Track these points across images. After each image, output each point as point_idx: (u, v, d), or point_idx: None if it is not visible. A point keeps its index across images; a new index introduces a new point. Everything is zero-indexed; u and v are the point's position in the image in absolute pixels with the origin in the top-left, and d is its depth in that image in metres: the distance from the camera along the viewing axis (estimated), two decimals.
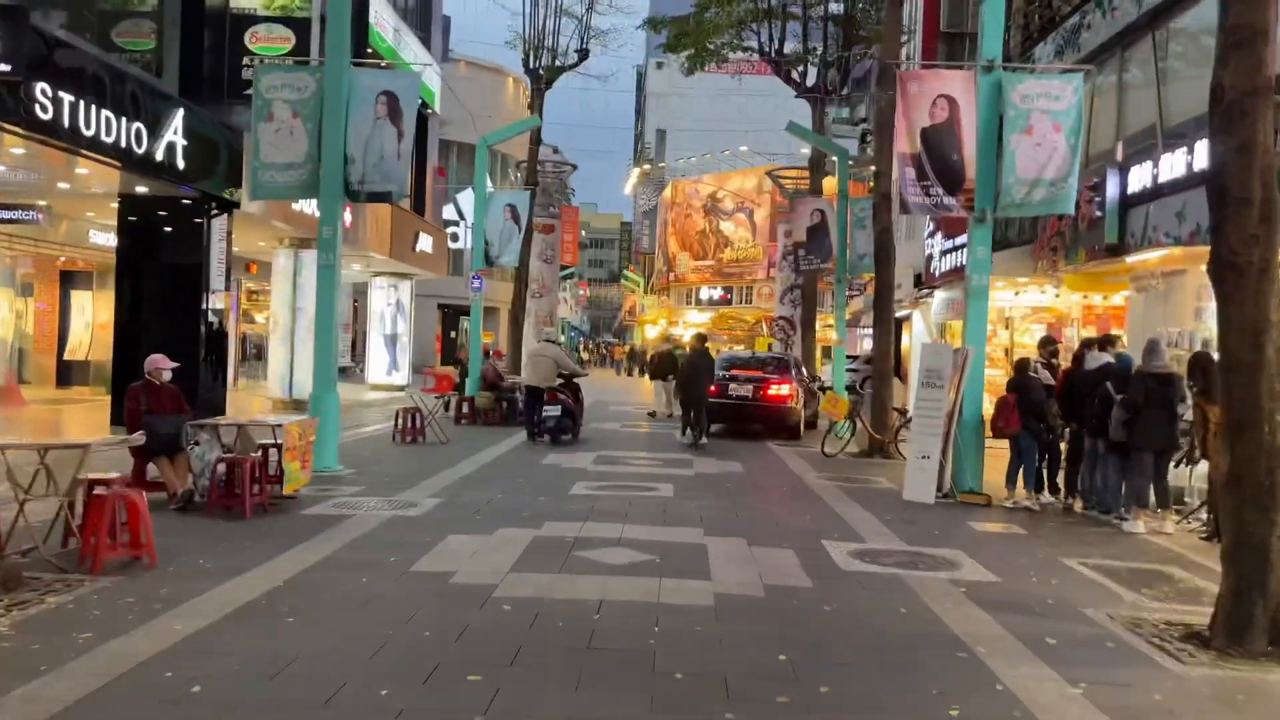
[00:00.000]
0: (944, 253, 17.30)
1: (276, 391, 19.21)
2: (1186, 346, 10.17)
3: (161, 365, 8.67)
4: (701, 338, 16.87)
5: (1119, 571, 7.19)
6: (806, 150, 40.31)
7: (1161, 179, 11.37)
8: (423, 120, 27.43)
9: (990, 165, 10.63)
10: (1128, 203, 12.24)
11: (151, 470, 8.51)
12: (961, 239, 16.29)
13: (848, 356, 32.82)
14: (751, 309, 49.22)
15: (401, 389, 24.64)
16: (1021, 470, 10.41)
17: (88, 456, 6.38)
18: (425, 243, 25.67)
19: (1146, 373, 9.23)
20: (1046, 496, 10.49)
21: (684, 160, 56.64)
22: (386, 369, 26.62)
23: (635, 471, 11.73)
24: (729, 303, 51.59)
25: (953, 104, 10.69)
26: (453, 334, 43.29)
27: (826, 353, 29.10)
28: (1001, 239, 11.11)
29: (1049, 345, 11.27)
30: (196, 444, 8.49)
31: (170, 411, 8.55)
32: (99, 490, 6.37)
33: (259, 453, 8.72)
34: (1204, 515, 9.29)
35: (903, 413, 15.33)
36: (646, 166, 65.09)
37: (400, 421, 14.46)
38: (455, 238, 37.70)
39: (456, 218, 38.92)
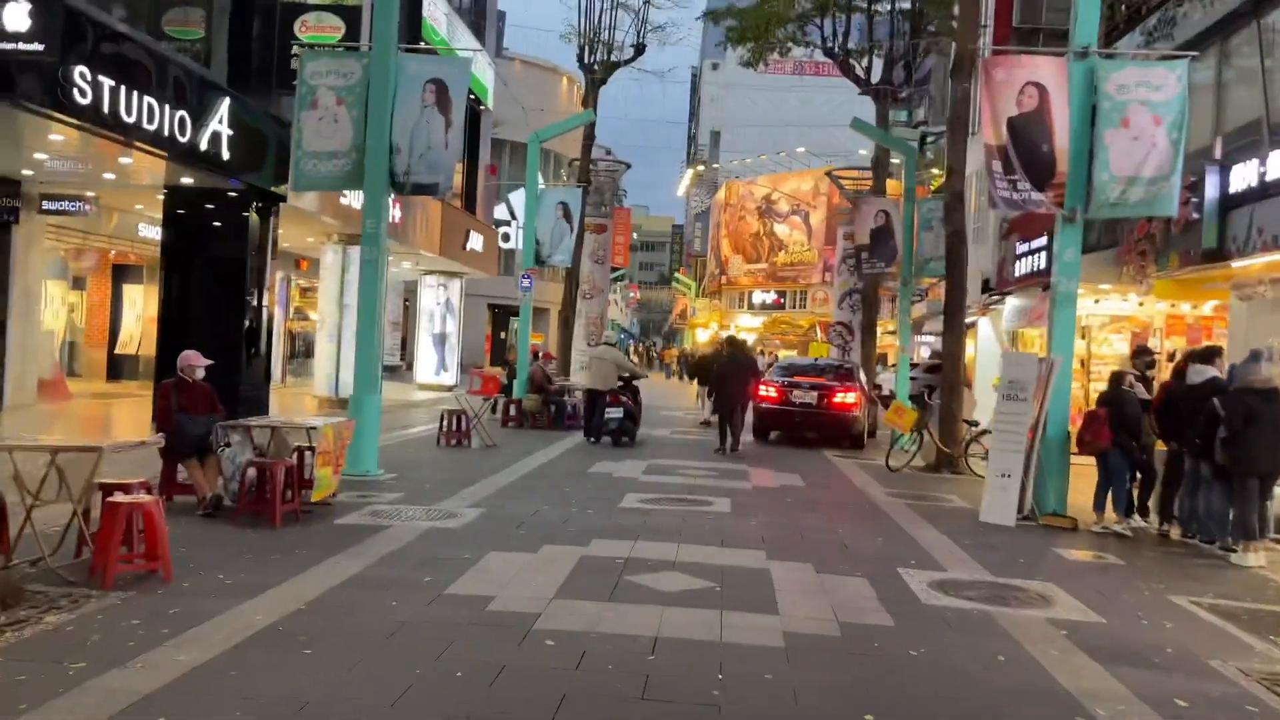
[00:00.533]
0: (1019, 256, 16.37)
1: (323, 390, 18.89)
2: None
3: (194, 362, 8.23)
4: (733, 340, 16.30)
5: (1238, 614, 6.37)
6: (865, 151, 39.34)
7: (1270, 177, 10.42)
8: (475, 117, 27.11)
9: (1082, 161, 9.78)
10: (1228, 203, 11.29)
11: (183, 473, 8.07)
12: (1039, 242, 15.39)
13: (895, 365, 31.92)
14: (805, 314, 48.24)
15: (449, 389, 24.27)
16: (1111, 492, 9.58)
17: (101, 461, 5.89)
18: (476, 241, 25.28)
19: (1247, 389, 8.38)
20: (1138, 521, 9.63)
21: (738, 161, 55.85)
22: (435, 368, 26.30)
23: (688, 483, 11.07)
24: (782, 307, 50.63)
25: (1042, 92, 9.85)
26: (502, 334, 42.99)
27: (881, 360, 28.16)
28: (1080, 242, 10.26)
29: (1144, 356, 10.38)
30: (227, 445, 8.03)
31: (202, 411, 8.10)
32: (114, 497, 5.88)
33: (294, 456, 8.25)
34: None
35: (973, 424, 14.48)
36: (700, 168, 64.40)
37: (445, 424, 13.98)
38: (506, 238, 37.35)
39: (508, 217, 38.60)
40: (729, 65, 71.44)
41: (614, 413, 14.48)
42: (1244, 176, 10.98)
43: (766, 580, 6.49)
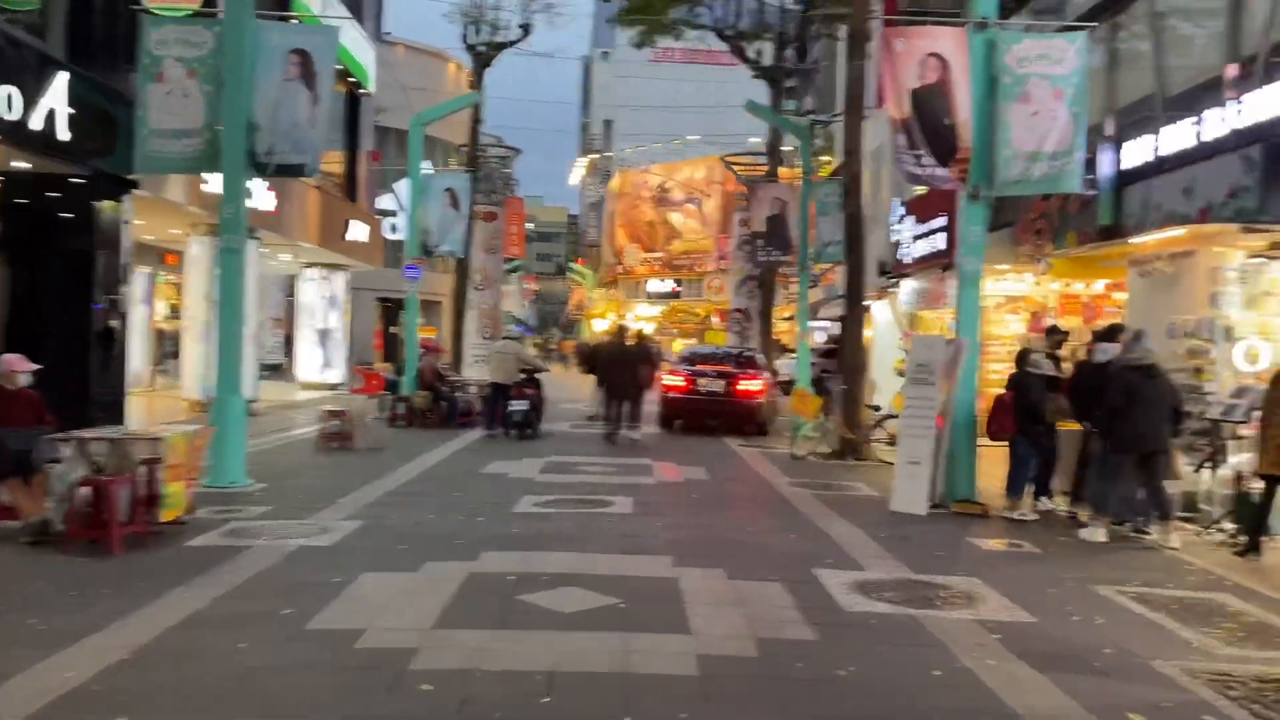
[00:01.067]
0: (916, 238, 16.23)
1: (193, 393, 17.52)
2: (1206, 336, 9.14)
3: (16, 368, 7.19)
4: (622, 328, 16.31)
5: (1166, 603, 6.07)
6: (757, 139, 39.18)
7: (1164, 152, 10.35)
8: (355, 101, 25.81)
9: (985, 136, 9.50)
10: (1123, 180, 11.22)
11: (5, 494, 7.02)
12: (936, 222, 15.26)
13: (792, 350, 31.85)
14: (702, 302, 48.12)
15: (335, 388, 23.05)
16: (1015, 476, 9.35)
17: None
18: (358, 231, 24.02)
19: (1126, 366, 8.29)
20: (1044, 503, 9.43)
21: (632, 149, 55.39)
22: (319, 367, 24.97)
23: (588, 481, 10.41)
24: (679, 295, 50.39)
25: (944, 64, 9.52)
26: (393, 329, 41.48)
27: (778, 346, 28.05)
28: (986, 220, 10.02)
29: (1055, 334, 10.17)
30: (56, 461, 7.00)
31: (27, 423, 7.07)
32: None
33: (143, 470, 7.27)
34: (1228, 526, 8.28)
35: (875, 409, 14.27)
36: (594, 156, 63.73)
37: (326, 425, 13.00)
38: (394, 229, 35.90)
39: (395, 208, 37.15)
40: (620, 53, 70.90)
41: (518, 406, 14.50)
42: (1138, 153, 10.90)
43: (675, 592, 5.89)
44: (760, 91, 23.55)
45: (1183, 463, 8.62)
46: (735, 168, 24.65)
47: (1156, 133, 10.63)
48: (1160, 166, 10.55)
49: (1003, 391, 9.81)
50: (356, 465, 11.27)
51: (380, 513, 8.30)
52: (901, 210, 17.46)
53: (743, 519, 8.58)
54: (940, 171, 9.67)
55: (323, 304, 25.10)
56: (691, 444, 14.91)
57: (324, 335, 25.24)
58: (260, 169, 9.82)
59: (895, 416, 14.25)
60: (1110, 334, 8.99)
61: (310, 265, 24.49)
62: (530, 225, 71.73)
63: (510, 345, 15.89)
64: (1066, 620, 5.60)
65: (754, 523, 8.42)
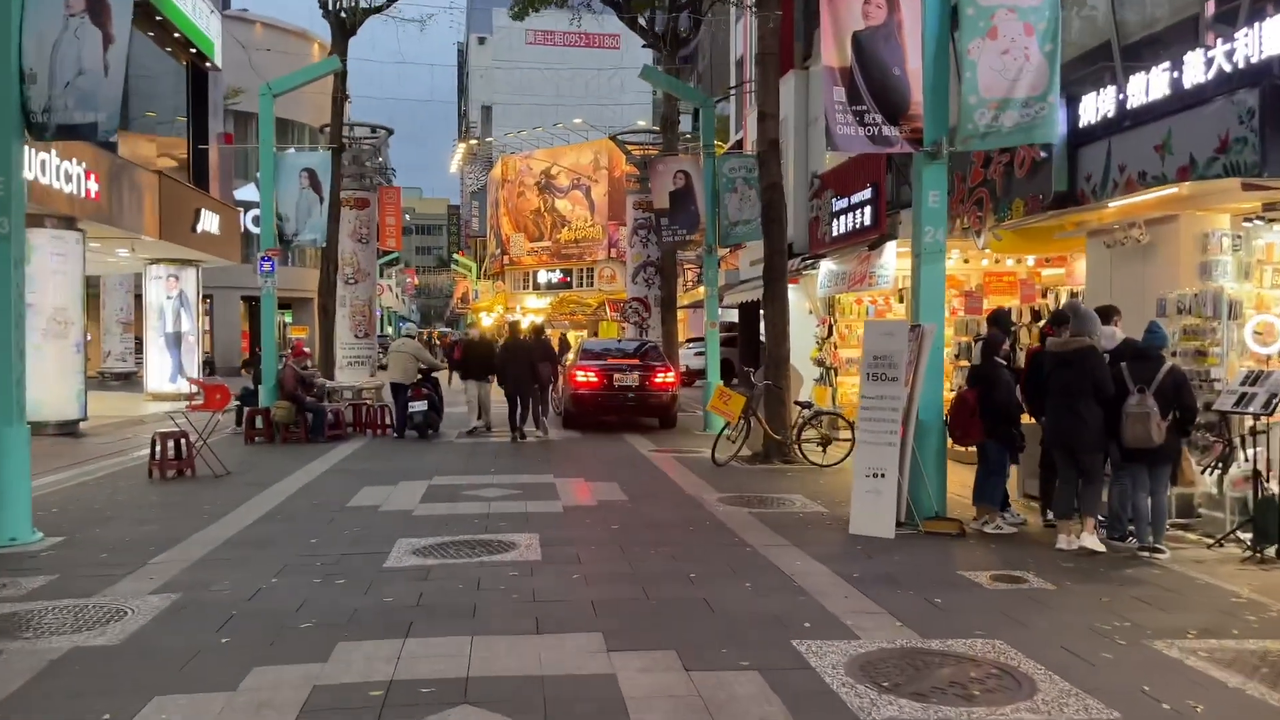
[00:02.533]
0: (836, 214, 14.82)
1: None
2: (1208, 312, 7.87)
3: None
4: (515, 325, 15.68)
5: (1249, 663, 4.65)
6: (644, 122, 37.48)
7: (1131, 105, 9.08)
8: (200, 76, 23.05)
9: (943, 82, 8.05)
10: (1078, 139, 9.97)
11: None
12: (859, 196, 13.88)
13: (689, 340, 30.46)
14: (593, 292, 46.36)
15: (190, 398, 20.37)
16: (987, 484, 7.98)
17: None
18: (209, 222, 21.37)
19: (1050, 350, 7.31)
20: (1013, 515, 8.08)
21: (513, 134, 53.14)
22: (170, 374, 22.18)
23: (480, 512, 8.55)
24: (569, 285, 48.52)
25: (891, 1, 8.01)
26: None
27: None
28: (946, 183, 8.56)
29: (1003, 321, 8.79)
30: None
31: None
32: None
33: None
34: (1244, 537, 7.03)
35: (804, 406, 12.81)
36: (472, 143, 61.17)
37: (158, 450, 10.76)
38: (257, 222, 32.97)
39: (257, 199, 34.10)
40: (497, 37, 68.48)
41: (418, 406, 14.41)
42: (1098, 107, 9.63)
43: (616, 703, 4.11)
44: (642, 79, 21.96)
45: (1194, 464, 7.31)
46: (630, 146, 22.89)
47: (1119, 83, 9.38)
48: (1122, 121, 9.31)
49: (963, 388, 8.44)
50: (192, 502, 9.12)
51: (206, 577, 6.27)
52: (816, 184, 16.06)
53: (680, 559, 6.85)
54: (888, 131, 8.16)
55: (172, 304, 22.30)
56: (596, 448, 13.32)
57: (175, 339, 22.44)
58: (37, 130, 7.56)
59: (827, 413, 12.85)
60: (1105, 316, 7.63)
61: (155, 261, 21.70)
62: (408, 217, 68.73)
63: (406, 344, 15.27)
64: (1157, 712, 4.07)
65: (694, 563, 6.70)
